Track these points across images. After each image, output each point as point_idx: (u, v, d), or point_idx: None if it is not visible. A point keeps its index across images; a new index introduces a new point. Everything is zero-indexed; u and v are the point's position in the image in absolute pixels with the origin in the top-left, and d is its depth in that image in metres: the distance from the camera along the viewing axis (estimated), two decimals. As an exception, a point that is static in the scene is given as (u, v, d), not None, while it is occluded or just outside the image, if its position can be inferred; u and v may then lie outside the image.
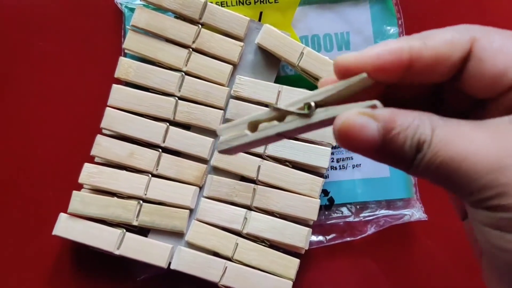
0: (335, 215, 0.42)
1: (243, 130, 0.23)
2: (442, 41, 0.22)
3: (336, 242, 0.41)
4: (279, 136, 0.23)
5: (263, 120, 0.23)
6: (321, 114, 0.21)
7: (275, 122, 0.22)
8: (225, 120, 0.40)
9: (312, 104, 0.21)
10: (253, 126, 0.23)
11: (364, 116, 0.20)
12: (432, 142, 0.20)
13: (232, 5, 0.42)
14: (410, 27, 0.42)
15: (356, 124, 0.20)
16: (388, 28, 0.42)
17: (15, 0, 0.44)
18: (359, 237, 0.41)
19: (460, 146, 0.19)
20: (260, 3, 0.42)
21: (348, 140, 0.20)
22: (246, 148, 0.23)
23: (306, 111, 0.22)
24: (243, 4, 0.42)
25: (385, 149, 0.20)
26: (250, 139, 0.22)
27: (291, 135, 0.23)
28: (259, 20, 0.42)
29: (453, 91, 0.24)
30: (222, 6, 0.41)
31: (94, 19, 0.43)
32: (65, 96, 0.43)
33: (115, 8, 0.43)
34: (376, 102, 0.20)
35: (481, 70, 0.21)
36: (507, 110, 0.21)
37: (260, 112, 0.23)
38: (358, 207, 0.42)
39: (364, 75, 0.21)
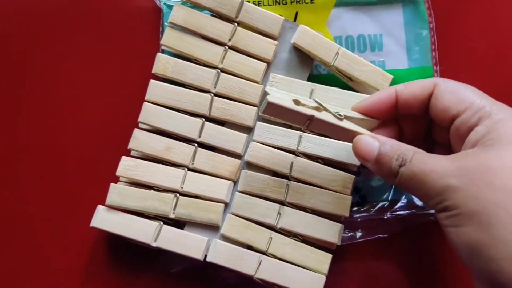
0: (367, 212, 0.43)
1: (288, 100, 0.33)
2: (416, 85, 0.34)
3: (368, 238, 0.42)
4: (310, 119, 0.33)
5: (304, 104, 0.34)
6: (347, 123, 0.34)
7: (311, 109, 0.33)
8: (259, 117, 0.41)
9: (343, 115, 0.34)
10: (296, 103, 0.33)
11: (372, 138, 0.33)
12: (412, 160, 0.30)
13: (268, 5, 0.43)
14: (441, 30, 0.43)
15: (366, 140, 0.33)
16: (420, 31, 0.43)
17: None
18: (390, 234, 0.42)
19: (429, 163, 0.30)
20: (296, 3, 0.43)
21: (358, 149, 0.33)
22: (284, 113, 0.33)
23: (340, 115, 0.34)
24: (279, 4, 0.43)
25: (379, 160, 0.32)
26: (292, 107, 0.33)
27: (317, 125, 0.33)
28: (295, 20, 0.43)
29: (436, 128, 0.36)
30: (258, 6, 0.42)
31: (133, 16, 0.44)
32: (104, 90, 0.44)
33: (153, 5, 0.44)
34: (375, 135, 0.34)
35: (436, 105, 0.33)
36: (456, 137, 0.32)
37: (305, 98, 0.36)
38: (389, 204, 0.43)
39: (375, 120, 0.36)
